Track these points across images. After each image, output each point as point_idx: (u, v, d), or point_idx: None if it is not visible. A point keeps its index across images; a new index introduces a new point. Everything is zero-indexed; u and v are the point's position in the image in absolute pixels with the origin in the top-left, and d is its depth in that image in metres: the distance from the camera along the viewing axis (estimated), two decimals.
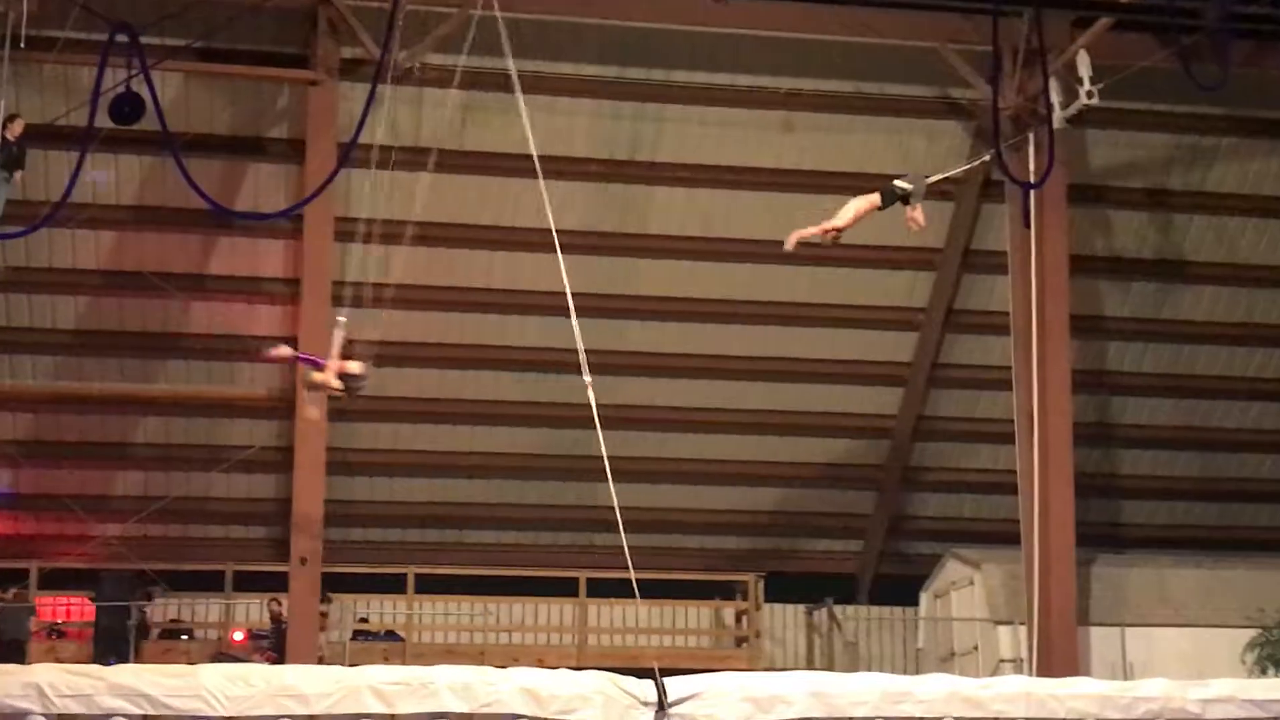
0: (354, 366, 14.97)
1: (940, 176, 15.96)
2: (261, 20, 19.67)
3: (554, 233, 14.78)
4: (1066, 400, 20.20)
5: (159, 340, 21.95)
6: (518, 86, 15.57)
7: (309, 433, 19.30)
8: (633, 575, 15.58)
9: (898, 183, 13.66)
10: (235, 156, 20.80)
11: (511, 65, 15.63)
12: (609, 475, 14.28)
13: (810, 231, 13.38)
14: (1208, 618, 21.50)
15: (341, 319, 15.02)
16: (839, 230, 13.41)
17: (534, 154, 15.45)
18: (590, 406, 23.21)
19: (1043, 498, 19.71)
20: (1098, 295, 23.26)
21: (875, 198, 13.50)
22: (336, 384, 14.95)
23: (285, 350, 15.74)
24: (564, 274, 14.44)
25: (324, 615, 20.90)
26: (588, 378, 14.02)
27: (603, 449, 14.14)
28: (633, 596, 20.09)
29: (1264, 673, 19.96)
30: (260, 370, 22.14)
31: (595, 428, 14.15)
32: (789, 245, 13.42)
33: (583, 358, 13.95)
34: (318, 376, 14.96)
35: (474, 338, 22.76)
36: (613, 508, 23.82)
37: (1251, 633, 20.70)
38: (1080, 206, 21.89)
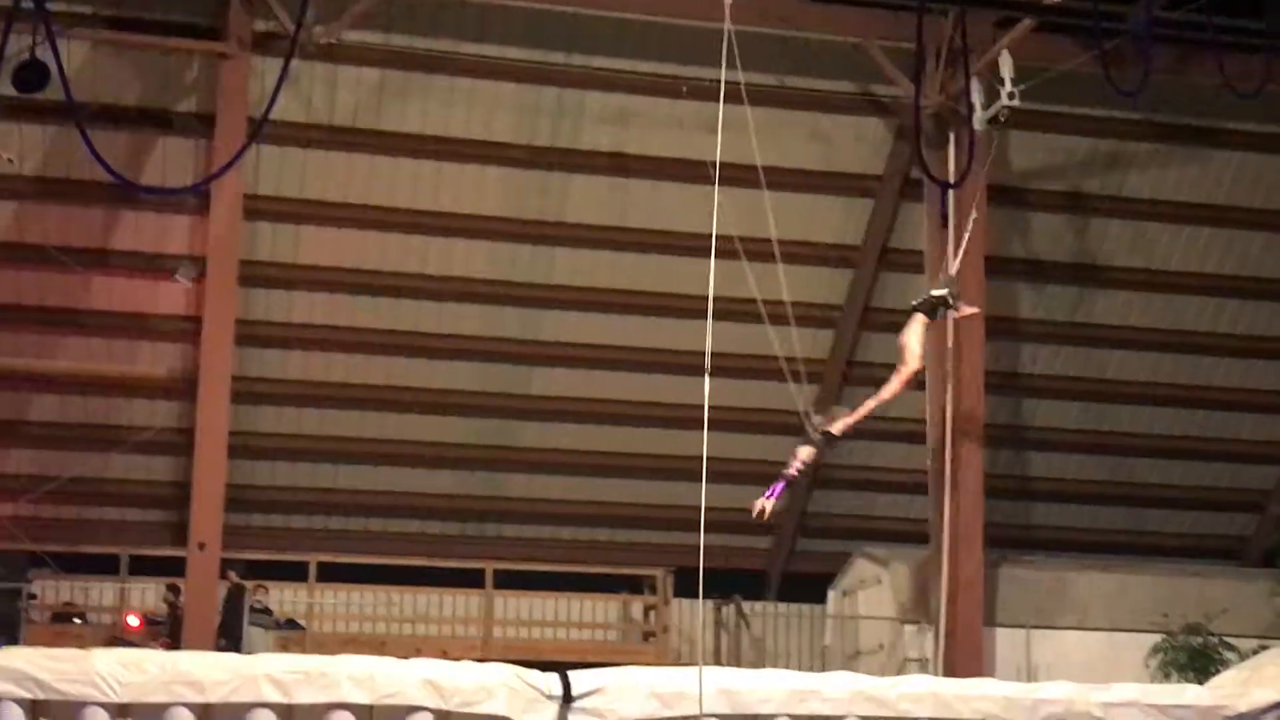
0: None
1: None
2: None
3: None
4: (979, 401, 20.20)
5: (58, 315, 21.34)
6: None
7: (210, 415, 18.90)
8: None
9: (934, 292, 13.60)
10: (142, 129, 20.31)
11: None
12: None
13: (869, 407, 12.54)
14: (1113, 622, 21.56)
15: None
16: (917, 371, 13.01)
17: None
18: (503, 396, 23.16)
19: (952, 498, 19.71)
20: (1013, 297, 23.28)
21: (921, 319, 13.31)
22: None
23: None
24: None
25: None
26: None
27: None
28: (539, 589, 19.80)
29: (1167, 678, 20.08)
30: (162, 350, 21.72)
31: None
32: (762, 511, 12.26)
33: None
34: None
35: (383, 322, 22.37)
36: (521, 499, 23.67)
37: (1156, 638, 20.82)
38: (998, 207, 21.84)
